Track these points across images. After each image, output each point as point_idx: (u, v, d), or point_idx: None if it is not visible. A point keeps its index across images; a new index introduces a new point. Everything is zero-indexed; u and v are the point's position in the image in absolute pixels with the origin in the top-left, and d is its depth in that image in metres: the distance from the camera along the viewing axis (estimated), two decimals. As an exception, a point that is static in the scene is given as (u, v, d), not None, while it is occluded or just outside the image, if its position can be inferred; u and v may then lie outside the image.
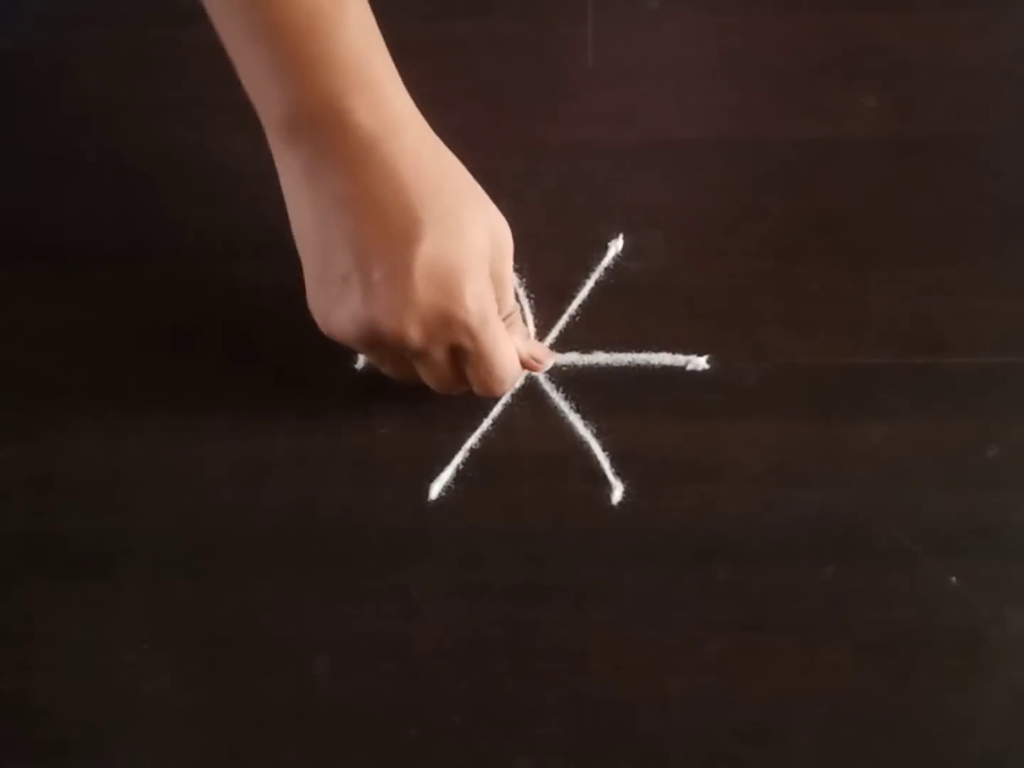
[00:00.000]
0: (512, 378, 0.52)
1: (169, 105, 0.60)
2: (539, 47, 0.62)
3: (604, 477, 0.54)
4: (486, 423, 0.55)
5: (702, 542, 0.53)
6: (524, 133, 0.60)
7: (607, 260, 0.57)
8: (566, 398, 0.55)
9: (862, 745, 0.50)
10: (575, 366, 0.56)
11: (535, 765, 0.50)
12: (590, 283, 0.57)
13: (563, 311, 0.57)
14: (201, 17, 0.49)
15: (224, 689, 0.52)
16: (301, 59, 0.46)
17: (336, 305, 0.48)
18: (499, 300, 0.50)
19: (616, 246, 0.58)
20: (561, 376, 0.56)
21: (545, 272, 0.57)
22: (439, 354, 0.49)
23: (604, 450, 0.54)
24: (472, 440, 0.55)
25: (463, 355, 0.50)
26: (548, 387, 0.56)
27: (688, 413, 0.55)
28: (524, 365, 0.53)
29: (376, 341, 0.48)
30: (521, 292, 0.57)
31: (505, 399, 0.55)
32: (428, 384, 0.52)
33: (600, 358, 0.56)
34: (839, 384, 0.55)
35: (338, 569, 0.53)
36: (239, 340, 0.56)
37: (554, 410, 0.55)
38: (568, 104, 0.61)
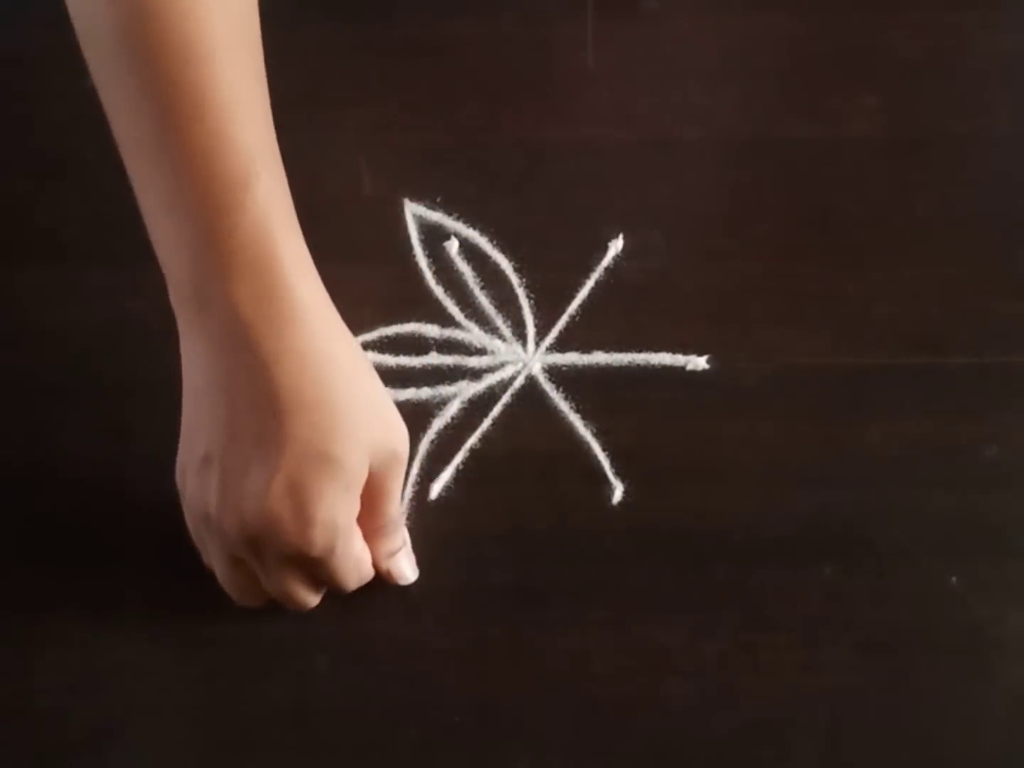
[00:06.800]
0: (356, 583, 0.50)
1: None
2: (539, 47, 0.61)
3: (604, 477, 0.54)
4: (486, 423, 0.55)
5: (702, 542, 0.53)
6: (524, 133, 0.60)
7: (607, 260, 0.57)
8: (566, 398, 0.55)
9: (862, 745, 0.50)
10: (575, 366, 0.56)
11: (535, 765, 0.50)
12: (590, 283, 0.57)
13: (563, 311, 0.57)
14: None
15: (224, 689, 0.52)
16: (196, 235, 0.45)
17: (192, 475, 0.47)
18: (375, 510, 0.49)
19: (616, 246, 0.58)
20: (561, 376, 0.56)
21: (545, 272, 0.57)
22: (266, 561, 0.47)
23: (604, 450, 0.54)
24: (472, 440, 0.55)
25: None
26: (548, 387, 0.56)
27: (688, 413, 0.55)
28: (382, 577, 0.51)
29: (213, 530, 0.47)
30: (521, 292, 0.57)
31: (505, 399, 0.55)
32: (231, 587, 0.49)
33: (600, 358, 0.56)
34: (839, 384, 0.55)
35: (338, 569, 0.53)
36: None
37: (554, 410, 0.55)
38: (568, 104, 0.61)
